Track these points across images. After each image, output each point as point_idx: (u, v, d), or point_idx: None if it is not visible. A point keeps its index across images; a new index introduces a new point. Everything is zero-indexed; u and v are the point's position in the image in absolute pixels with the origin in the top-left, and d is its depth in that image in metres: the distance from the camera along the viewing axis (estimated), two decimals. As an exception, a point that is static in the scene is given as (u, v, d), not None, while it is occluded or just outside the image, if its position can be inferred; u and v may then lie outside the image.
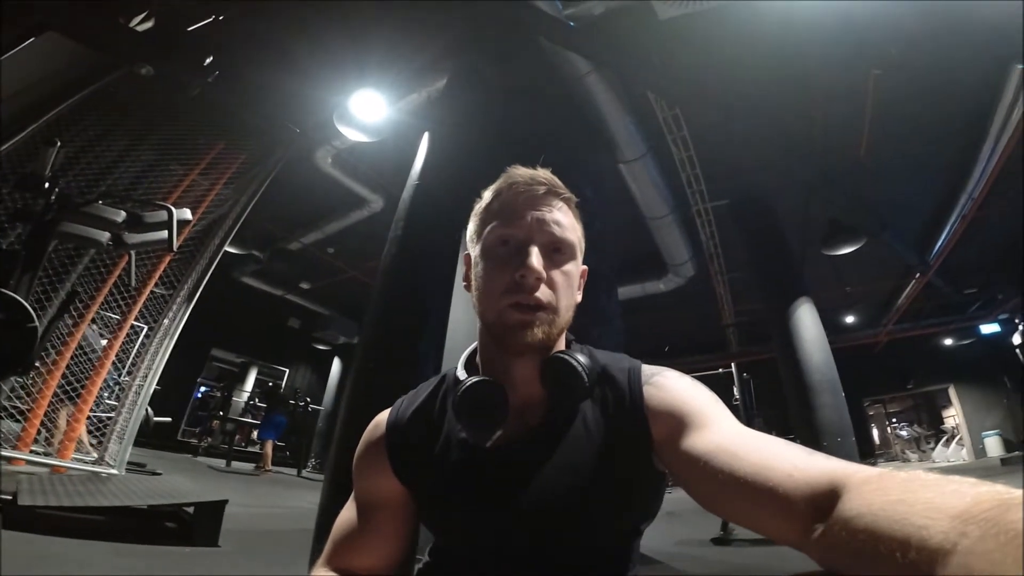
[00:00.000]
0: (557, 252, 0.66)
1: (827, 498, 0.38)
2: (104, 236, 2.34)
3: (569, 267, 0.66)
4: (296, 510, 4.73)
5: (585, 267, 0.71)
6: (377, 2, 4.16)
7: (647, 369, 0.67)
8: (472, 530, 0.64)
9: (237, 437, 9.44)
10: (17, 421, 3.34)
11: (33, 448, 3.39)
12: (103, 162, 3.87)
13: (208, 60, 3.92)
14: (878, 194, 6.22)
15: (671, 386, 0.63)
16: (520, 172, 0.68)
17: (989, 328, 9.93)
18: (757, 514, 0.45)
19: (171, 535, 2.86)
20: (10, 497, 2.32)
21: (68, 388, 3.61)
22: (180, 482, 3.85)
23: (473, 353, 0.74)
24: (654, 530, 0.67)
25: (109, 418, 3.96)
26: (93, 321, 3.86)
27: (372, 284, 3.52)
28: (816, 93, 4.91)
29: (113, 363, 3.99)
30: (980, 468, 8.44)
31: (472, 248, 0.71)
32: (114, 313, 3.98)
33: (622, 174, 5.45)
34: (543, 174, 0.68)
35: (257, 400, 11.01)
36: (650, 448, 0.61)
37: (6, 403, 3.28)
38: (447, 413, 0.70)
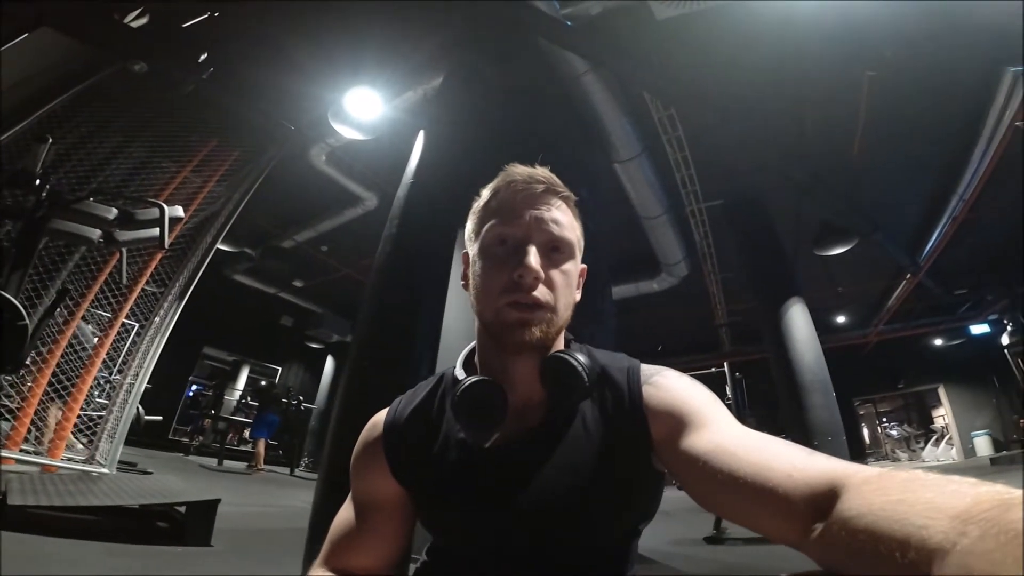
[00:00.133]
0: (555, 251, 0.65)
1: (827, 498, 0.38)
2: (95, 233, 2.31)
3: (568, 266, 0.66)
4: (289, 509, 4.71)
5: (584, 266, 0.70)
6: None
7: (646, 369, 0.67)
8: (471, 530, 0.63)
9: (229, 436, 9.38)
10: (7, 420, 3.30)
11: (23, 447, 3.35)
12: (95, 159, 3.81)
13: (202, 57, 3.90)
14: (870, 196, 6.27)
15: (670, 386, 0.63)
16: (518, 170, 0.67)
17: (979, 329, 10.06)
18: (757, 514, 0.45)
19: (163, 534, 2.84)
20: (0, 497, 2.30)
21: (58, 386, 3.57)
22: (172, 481, 3.80)
23: (472, 352, 0.74)
24: (648, 529, 0.67)
25: (100, 416, 3.92)
26: (85, 318, 3.83)
27: (366, 282, 3.50)
28: (811, 94, 4.93)
29: (104, 361, 3.95)
30: (970, 468, 8.52)
31: (470, 246, 0.71)
32: (105, 311, 3.93)
33: (617, 173, 5.46)
34: (542, 172, 0.68)
35: (249, 398, 10.91)
36: (649, 448, 0.61)
37: (-5, 401, 3.24)
38: (446, 413, 0.70)
